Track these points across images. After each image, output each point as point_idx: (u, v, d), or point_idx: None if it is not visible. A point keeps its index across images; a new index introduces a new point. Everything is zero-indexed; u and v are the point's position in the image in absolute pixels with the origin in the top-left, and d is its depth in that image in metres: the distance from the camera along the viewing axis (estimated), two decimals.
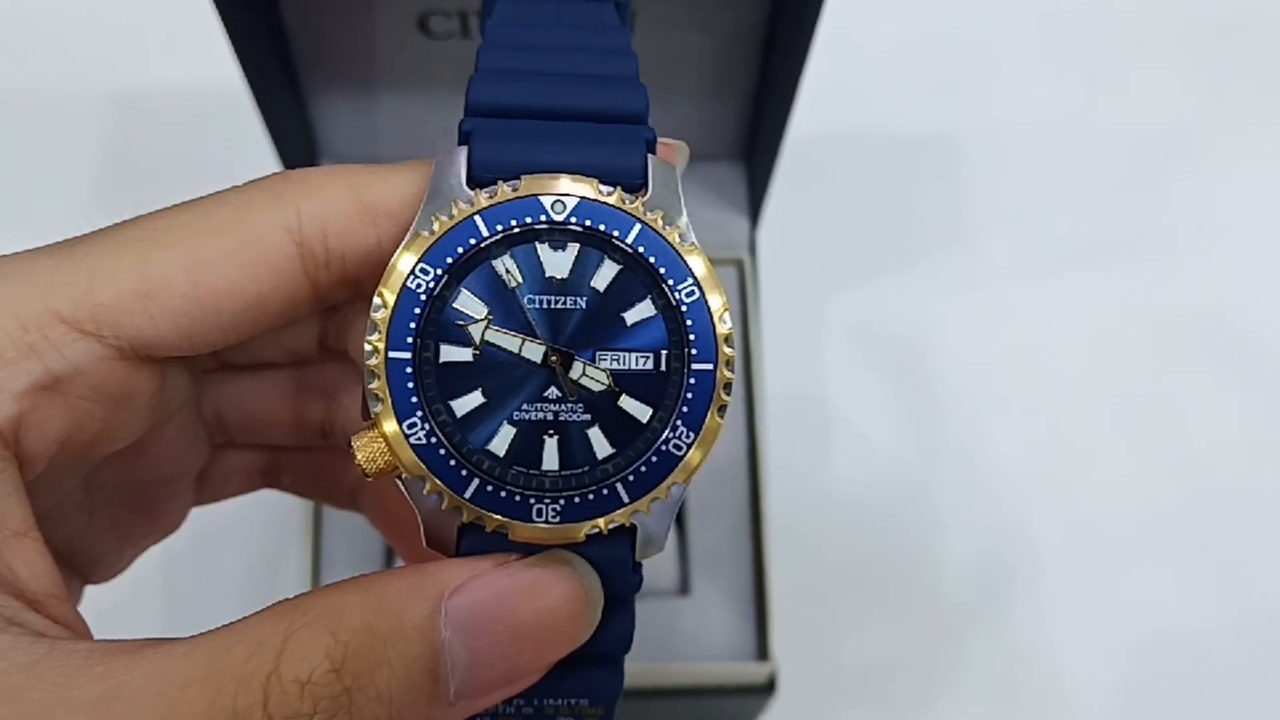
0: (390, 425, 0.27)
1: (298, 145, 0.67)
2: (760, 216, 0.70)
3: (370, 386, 0.27)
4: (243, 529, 0.41)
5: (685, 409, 0.27)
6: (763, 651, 0.63)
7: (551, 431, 0.27)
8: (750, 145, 0.70)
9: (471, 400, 0.27)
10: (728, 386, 0.28)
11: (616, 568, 0.28)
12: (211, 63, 0.63)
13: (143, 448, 0.33)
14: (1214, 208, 0.79)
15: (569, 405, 0.27)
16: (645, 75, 0.32)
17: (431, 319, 0.27)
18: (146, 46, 0.79)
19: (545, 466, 0.27)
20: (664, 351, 0.28)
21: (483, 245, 0.27)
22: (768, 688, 0.60)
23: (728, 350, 0.28)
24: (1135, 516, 0.71)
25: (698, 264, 0.28)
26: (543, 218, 0.28)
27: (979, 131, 0.80)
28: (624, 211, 0.28)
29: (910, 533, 0.70)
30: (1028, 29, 0.82)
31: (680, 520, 0.63)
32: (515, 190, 0.28)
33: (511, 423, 0.27)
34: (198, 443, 0.36)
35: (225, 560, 0.51)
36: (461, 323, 0.27)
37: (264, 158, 0.65)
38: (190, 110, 0.77)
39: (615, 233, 0.28)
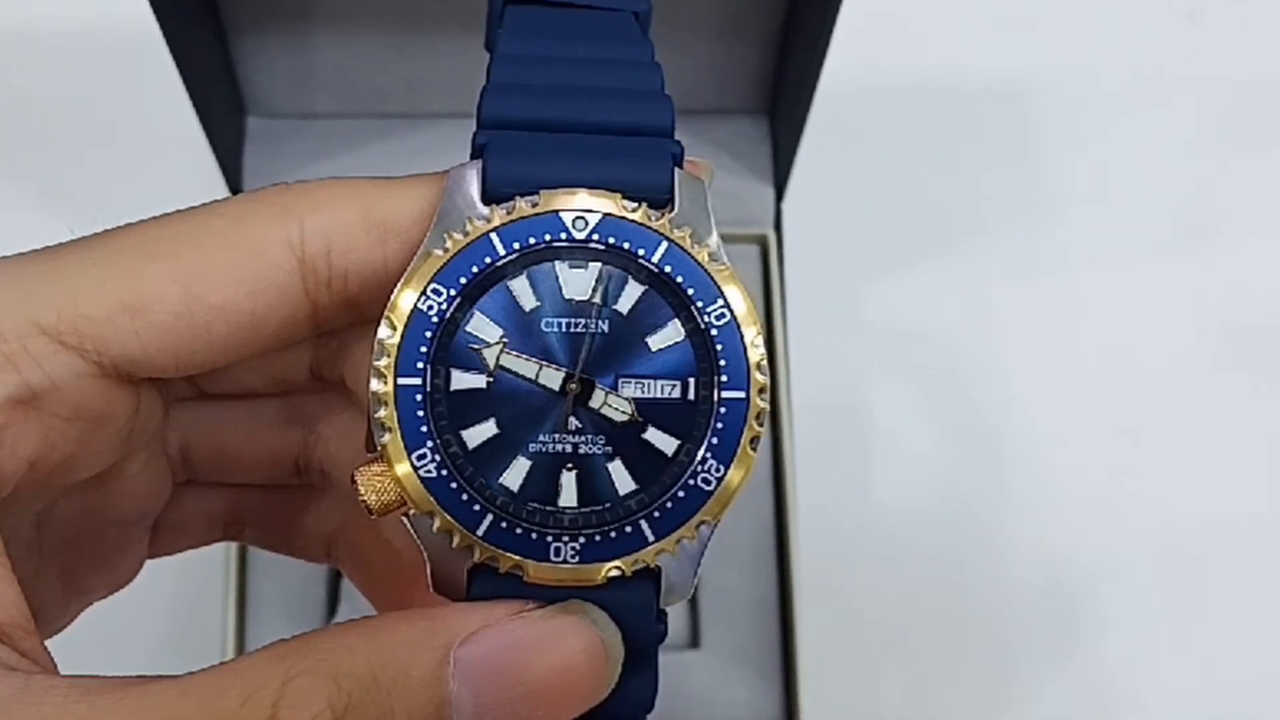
0: (399, 457, 0.33)
1: (218, 95, 0.71)
2: (787, 184, 0.74)
3: (378, 415, 0.33)
4: (159, 565, 0.47)
5: (715, 440, 0.34)
6: (790, 715, 0.67)
7: (570, 465, 0.34)
8: (775, 97, 0.74)
9: (484, 431, 0.34)
10: (760, 416, 0.34)
11: (639, 614, 0.34)
12: None
13: (104, 481, 0.40)
14: None
15: (589, 436, 0.34)
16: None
17: (443, 343, 0.34)
18: None
19: (563, 502, 0.34)
20: (692, 378, 0.34)
21: (498, 264, 0.34)
22: None
23: (760, 377, 0.34)
24: (1237, 552, 0.74)
25: (729, 285, 0.34)
26: (563, 235, 0.34)
27: (1056, 80, 0.83)
28: (649, 229, 0.34)
29: (965, 572, 0.74)
30: None
31: None
32: (534, 206, 0.34)
33: (527, 455, 0.34)
34: (160, 480, 0.42)
35: (140, 599, 0.57)
36: (475, 347, 0.34)
37: (177, 111, 0.68)
38: (87, 51, 0.80)
39: (640, 251, 0.34)
